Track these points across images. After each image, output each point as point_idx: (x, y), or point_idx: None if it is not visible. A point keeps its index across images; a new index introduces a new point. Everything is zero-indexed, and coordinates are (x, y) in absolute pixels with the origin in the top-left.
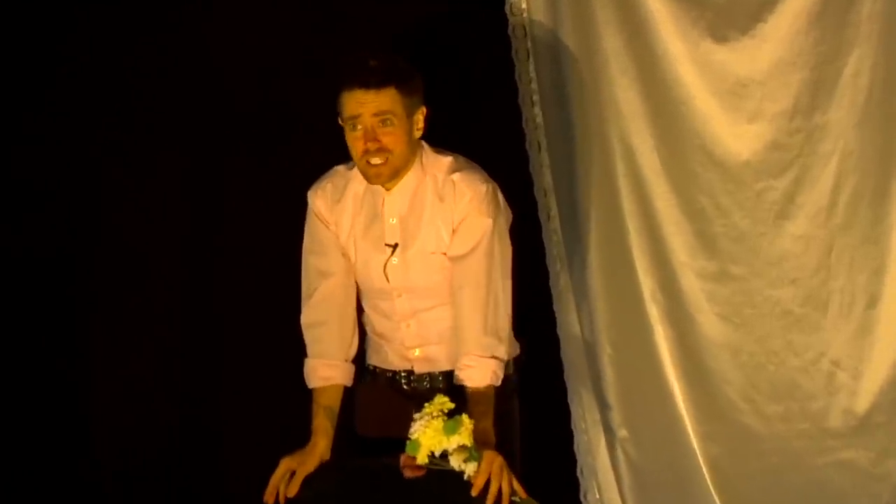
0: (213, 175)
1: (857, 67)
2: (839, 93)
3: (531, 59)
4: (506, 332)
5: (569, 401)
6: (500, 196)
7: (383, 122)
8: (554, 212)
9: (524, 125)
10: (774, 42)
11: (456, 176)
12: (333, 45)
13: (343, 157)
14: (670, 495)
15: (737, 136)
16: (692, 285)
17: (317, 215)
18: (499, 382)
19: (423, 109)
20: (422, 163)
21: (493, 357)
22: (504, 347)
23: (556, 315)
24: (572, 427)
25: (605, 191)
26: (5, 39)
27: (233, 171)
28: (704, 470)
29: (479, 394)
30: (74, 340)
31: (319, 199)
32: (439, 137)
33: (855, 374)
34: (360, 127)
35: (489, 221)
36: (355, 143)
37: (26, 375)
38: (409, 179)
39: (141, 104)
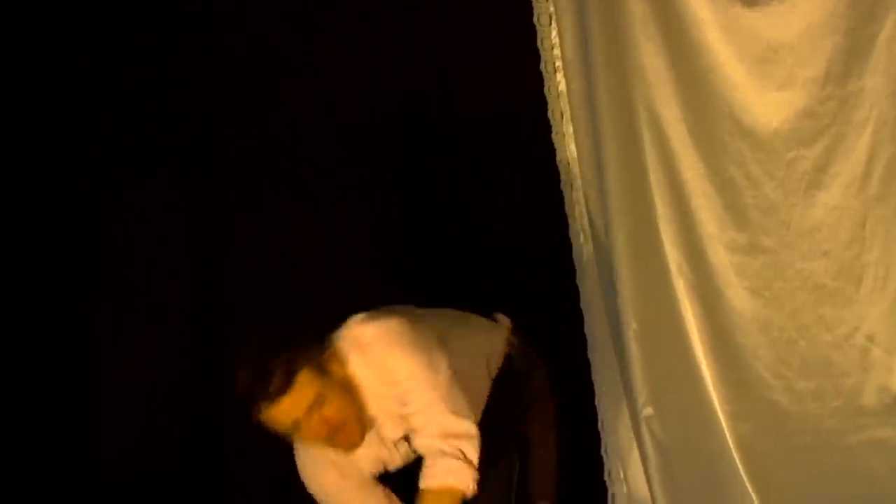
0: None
1: (893, 32)
2: (874, 59)
3: (553, 25)
4: (461, 427)
5: (592, 378)
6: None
7: (313, 410)
8: (577, 183)
9: (546, 93)
10: (806, 5)
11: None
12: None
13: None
14: (697, 475)
15: (767, 104)
16: (721, 258)
17: None
18: (463, 487)
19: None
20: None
21: (455, 456)
22: (466, 443)
23: (580, 290)
24: (596, 405)
25: (630, 161)
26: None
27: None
28: (733, 449)
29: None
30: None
31: None
32: (458, 111)
33: (890, 350)
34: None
35: (407, 359)
36: None
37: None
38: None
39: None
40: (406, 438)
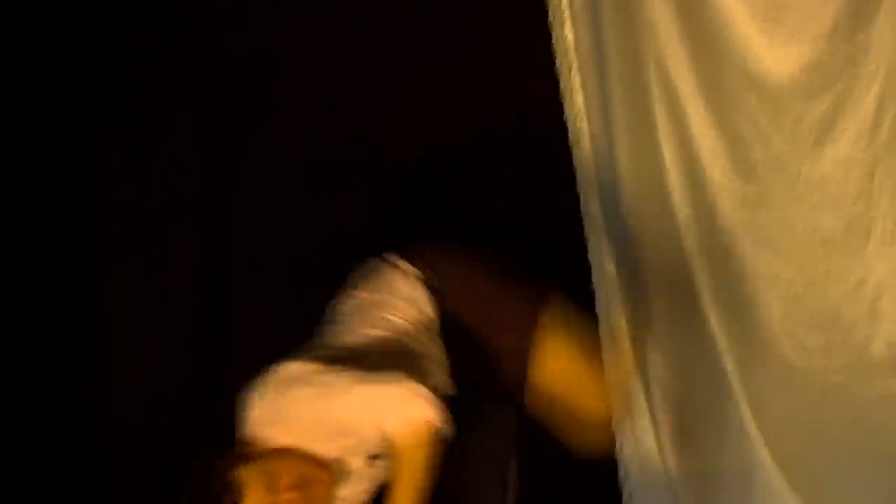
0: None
1: None
2: (882, 12)
3: None
4: (394, 389)
5: (601, 334)
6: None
7: (275, 493)
8: (585, 138)
9: (554, 45)
10: None
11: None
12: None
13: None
14: (706, 430)
15: (775, 58)
16: (729, 212)
17: None
18: (433, 420)
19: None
20: None
21: (408, 400)
22: (409, 390)
23: (588, 244)
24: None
25: (639, 115)
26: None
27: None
28: (740, 402)
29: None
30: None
31: None
32: (467, 63)
33: None
34: None
35: (306, 401)
36: None
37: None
38: None
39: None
40: (374, 457)
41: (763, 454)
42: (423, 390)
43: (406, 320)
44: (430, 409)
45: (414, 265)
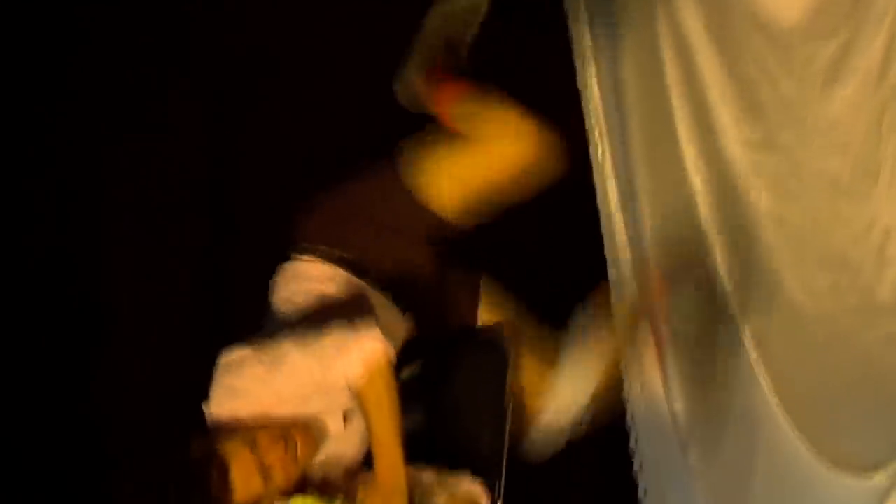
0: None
1: None
2: None
3: None
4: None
5: (608, 275)
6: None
7: (259, 456)
8: (593, 80)
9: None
10: None
11: None
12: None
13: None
14: (713, 373)
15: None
16: (737, 155)
17: None
18: (379, 355)
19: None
20: None
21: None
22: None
23: (597, 187)
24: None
25: (647, 58)
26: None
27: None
28: (749, 346)
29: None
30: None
31: None
32: None
33: None
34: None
35: (258, 383)
36: None
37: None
38: None
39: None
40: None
41: (770, 398)
42: (358, 328)
43: (335, 294)
44: (369, 339)
45: (317, 253)
